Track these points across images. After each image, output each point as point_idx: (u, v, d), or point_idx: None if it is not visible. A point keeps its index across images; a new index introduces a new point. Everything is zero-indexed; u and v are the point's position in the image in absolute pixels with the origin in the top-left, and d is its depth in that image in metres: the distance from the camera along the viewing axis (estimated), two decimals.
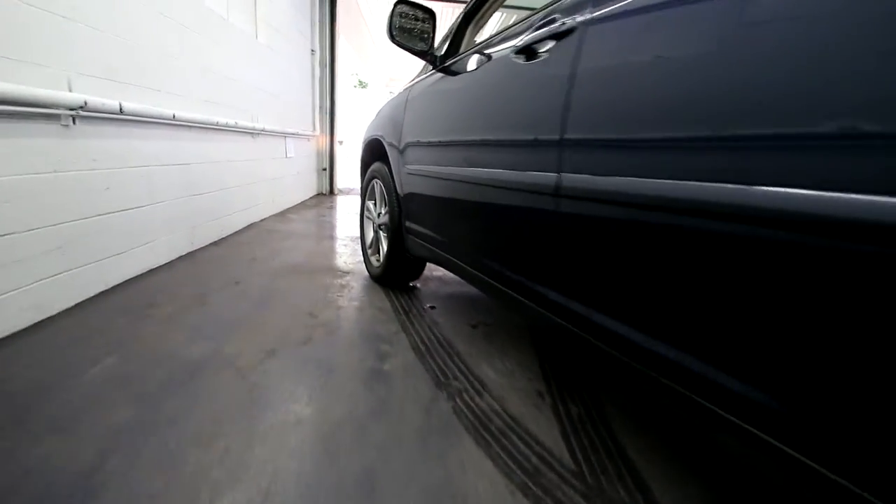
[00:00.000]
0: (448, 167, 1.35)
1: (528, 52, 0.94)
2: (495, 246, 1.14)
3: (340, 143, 6.26)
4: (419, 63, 1.87)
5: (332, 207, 4.71)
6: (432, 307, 1.87)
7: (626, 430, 1.08)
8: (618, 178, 0.71)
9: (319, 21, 5.20)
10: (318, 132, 5.37)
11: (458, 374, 1.32)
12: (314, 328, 1.58)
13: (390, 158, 1.92)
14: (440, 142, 1.43)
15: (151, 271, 2.09)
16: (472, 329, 1.66)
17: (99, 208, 1.76)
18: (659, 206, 0.64)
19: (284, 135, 4.16)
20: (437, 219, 1.53)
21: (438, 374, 1.31)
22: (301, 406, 1.11)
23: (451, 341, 1.54)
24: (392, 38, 1.46)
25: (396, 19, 1.44)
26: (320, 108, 5.45)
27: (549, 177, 0.84)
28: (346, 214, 4.27)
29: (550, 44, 0.87)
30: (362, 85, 12.43)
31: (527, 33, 0.96)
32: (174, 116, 2.15)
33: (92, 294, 1.74)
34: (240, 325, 1.57)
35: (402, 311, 1.80)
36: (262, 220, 3.59)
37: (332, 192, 5.78)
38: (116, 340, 1.40)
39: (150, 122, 2.04)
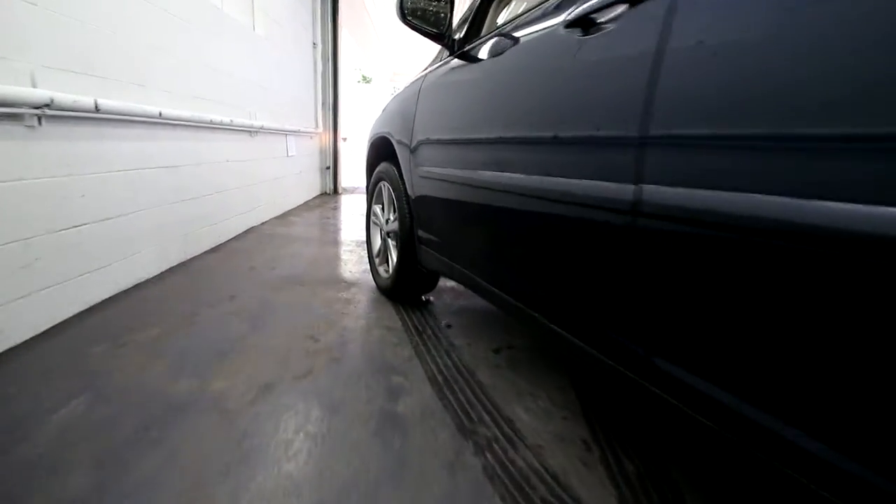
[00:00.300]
0: (471, 171, 1.14)
1: (585, 23, 0.73)
2: (537, 272, 0.93)
3: (344, 139, 6.06)
4: (425, 57, 1.66)
5: (336, 208, 4.51)
6: (448, 325, 1.67)
7: (705, 501, 0.87)
8: (728, 193, 0.50)
9: (321, 13, 4.99)
10: (320, 129, 5.17)
11: (485, 415, 1.12)
12: (316, 355, 1.38)
13: (400, 158, 1.72)
14: (461, 139, 1.22)
15: (138, 286, 1.90)
16: (494, 354, 1.46)
17: (74, 219, 1.56)
18: (794, 234, 0.43)
19: (285, 132, 3.96)
20: (458, 231, 1.32)
21: (462, 415, 1.11)
22: (298, 465, 0.91)
23: (472, 370, 1.34)
24: (404, 18, 1.25)
25: None
26: (323, 103, 5.24)
27: (621, 189, 0.63)
28: (351, 216, 4.07)
29: (620, 8, 0.66)
30: (366, 80, 12.19)
31: (581, 1, 0.75)
32: (160, 114, 1.95)
33: (67, 316, 1.55)
34: (232, 352, 1.37)
35: (414, 332, 1.60)
36: (262, 224, 3.39)
37: (336, 191, 5.58)
38: (88, 375, 1.21)
39: (133, 121, 1.84)
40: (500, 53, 1.05)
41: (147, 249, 1.98)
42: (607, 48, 0.68)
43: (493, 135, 1.04)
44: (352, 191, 5.88)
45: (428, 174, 1.44)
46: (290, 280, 2.10)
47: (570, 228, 0.77)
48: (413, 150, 1.57)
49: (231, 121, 2.66)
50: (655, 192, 0.59)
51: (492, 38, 1.13)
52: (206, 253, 2.49)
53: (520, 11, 1.07)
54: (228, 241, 2.80)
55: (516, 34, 1.00)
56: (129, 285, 1.87)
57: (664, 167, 0.58)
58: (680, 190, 0.56)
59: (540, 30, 0.88)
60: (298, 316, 1.68)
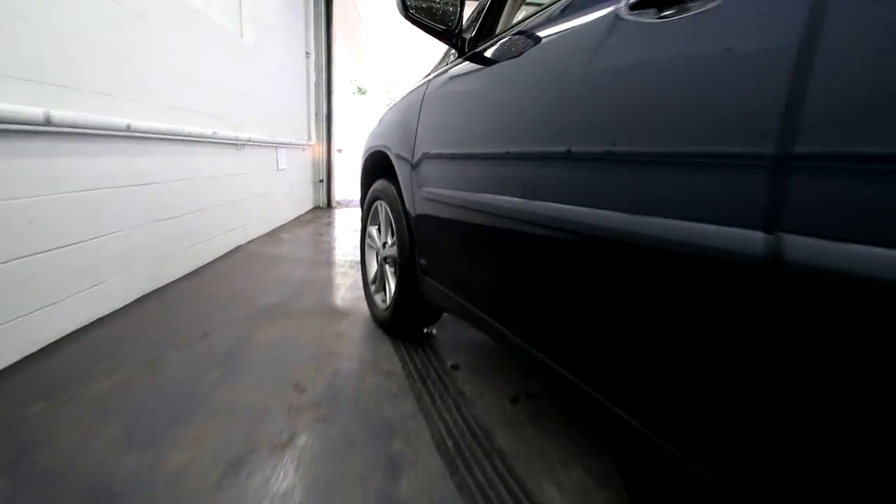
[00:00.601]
0: (493, 196, 0.92)
1: (660, 2, 0.52)
2: (593, 334, 0.71)
3: (339, 151, 5.87)
4: (422, 70, 1.46)
5: (329, 224, 4.29)
6: (455, 367, 1.45)
7: None
8: None
9: (314, 21, 4.81)
10: (313, 141, 4.96)
11: (509, 498, 0.89)
12: (300, 413, 1.15)
13: (399, 175, 1.51)
14: (475, 154, 1.01)
15: (100, 321, 1.67)
16: (512, 406, 1.24)
17: (18, 250, 1.34)
18: None
19: (276, 145, 3.75)
20: (475, 268, 1.10)
21: (480, 498, 0.89)
22: None
23: (488, 429, 1.12)
24: (406, 11, 1.04)
25: None
26: (316, 114, 5.05)
27: (747, 239, 0.41)
28: (345, 232, 3.85)
29: None
30: (361, 91, 12.06)
31: None
32: (129, 127, 1.73)
33: (9, 363, 1.32)
34: (197, 412, 1.14)
35: (416, 376, 1.37)
36: (249, 243, 3.17)
37: (329, 205, 5.36)
38: (15, 449, 0.98)
39: (97, 135, 1.63)
40: (531, 50, 0.84)
41: (113, 278, 1.75)
42: (709, 32, 0.47)
43: (520, 149, 0.83)
44: (346, 204, 5.66)
45: (433, 196, 1.23)
46: (275, 310, 1.87)
47: (663, 289, 0.54)
48: (415, 167, 1.36)
49: (214, 133, 2.44)
50: (802, 246, 0.38)
51: (516, 33, 0.93)
52: (183, 278, 2.26)
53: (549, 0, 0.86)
54: (211, 262, 2.57)
55: (551, 27, 0.80)
56: (89, 321, 1.64)
57: (819, 206, 0.37)
58: (845, 247, 0.35)
59: (587, 15, 0.67)
60: (282, 358, 1.45)
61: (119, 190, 1.78)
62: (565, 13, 0.77)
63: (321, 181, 5.26)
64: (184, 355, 1.44)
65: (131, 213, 1.86)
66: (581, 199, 0.65)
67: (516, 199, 0.83)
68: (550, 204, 0.73)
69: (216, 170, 2.62)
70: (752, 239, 0.41)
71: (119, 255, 1.79)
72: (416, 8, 1.06)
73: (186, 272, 2.32)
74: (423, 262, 1.40)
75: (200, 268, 2.44)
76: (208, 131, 2.39)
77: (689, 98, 0.49)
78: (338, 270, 2.59)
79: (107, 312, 1.73)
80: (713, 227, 0.45)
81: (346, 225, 4.23)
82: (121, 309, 1.79)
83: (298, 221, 4.30)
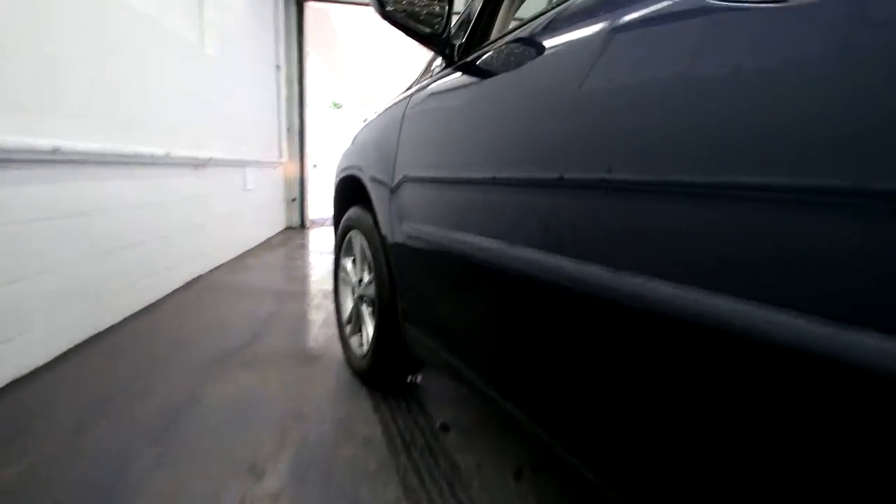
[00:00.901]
0: (489, 240, 0.73)
1: None
2: (607, 414, 0.53)
3: (315, 166, 5.62)
4: (401, 82, 1.27)
5: (302, 246, 4.04)
6: (445, 427, 1.23)
7: None
8: None
9: (285, 33, 4.60)
10: (285, 158, 4.71)
11: None
12: None
13: (375, 205, 1.30)
14: (471, 183, 0.82)
15: (14, 385, 1.39)
16: (516, 483, 1.02)
17: None
18: None
19: (243, 163, 3.49)
20: (467, 320, 0.90)
21: None
22: None
23: None
24: (382, 10, 0.84)
25: None
26: (288, 130, 4.81)
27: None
28: (320, 255, 3.60)
29: None
30: (336, 106, 11.84)
31: None
32: (57, 150, 1.48)
33: None
34: None
35: (400, 444, 1.15)
36: (211, 271, 2.89)
37: (303, 225, 5.09)
38: None
39: (14, 160, 1.37)
40: (540, 59, 0.65)
41: (37, 328, 1.48)
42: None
43: (526, 175, 0.64)
44: (321, 223, 5.40)
45: (416, 233, 1.02)
46: (234, 357, 1.62)
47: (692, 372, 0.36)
48: (394, 195, 1.15)
49: (167, 153, 2.19)
50: None
51: (518, 39, 0.74)
52: (130, 318, 1.98)
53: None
54: (165, 297, 2.29)
55: (570, 30, 0.61)
56: (3, 382, 1.36)
57: None
58: None
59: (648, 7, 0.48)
60: (237, 426, 1.20)
61: (47, 223, 1.51)
62: (596, 9, 0.58)
63: (294, 200, 4.99)
64: (116, 427, 1.18)
65: (64, 249, 1.59)
66: (614, 255, 0.47)
67: (519, 246, 0.64)
68: (565, 259, 0.54)
69: (170, 194, 2.36)
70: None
71: (46, 298, 1.51)
72: (395, 7, 0.87)
73: (135, 311, 2.04)
74: (405, 306, 1.19)
75: (152, 305, 2.16)
76: (160, 151, 2.14)
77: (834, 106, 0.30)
78: (310, 302, 2.35)
79: (26, 372, 1.44)
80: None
81: (321, 246, 3.98)
82: (45, 365, 1.51)
83: (268, 244, 4.03)
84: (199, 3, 2.78)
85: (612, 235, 0.49)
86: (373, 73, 9.70)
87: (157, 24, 2.25)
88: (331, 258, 3.38)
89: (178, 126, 2.43)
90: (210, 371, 1.50)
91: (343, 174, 1.60)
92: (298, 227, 5.05)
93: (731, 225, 0.36)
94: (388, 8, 0.84)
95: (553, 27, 0.67)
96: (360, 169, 1.43)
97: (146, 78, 2.13)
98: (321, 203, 5.93)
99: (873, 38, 0.29)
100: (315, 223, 5.34)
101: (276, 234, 4.54)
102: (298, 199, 5.04)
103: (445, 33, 0.90)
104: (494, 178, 0.73)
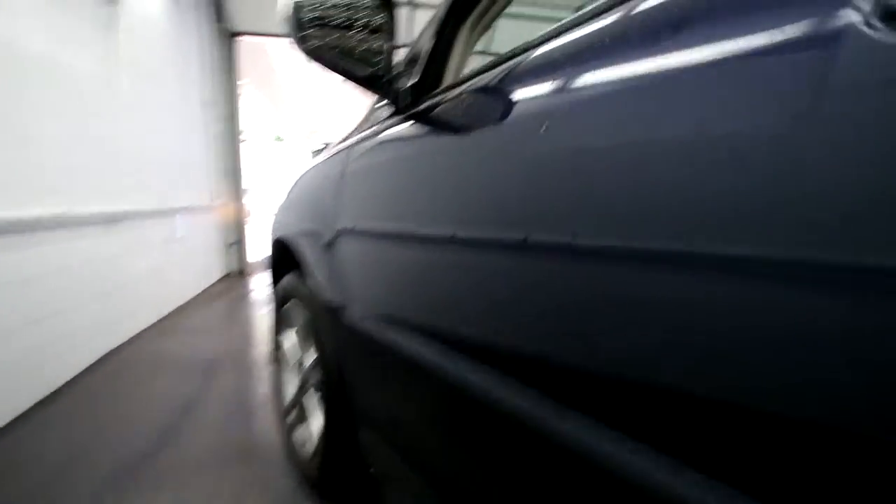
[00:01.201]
0: (457, 336, 0.52)
1: None
2: None
3: (255, 202, 5.24)
4: (347, 111, 1.07)
5: (243, 297, 3.66)
6: None
7: None
8: None
9: (214, 69, 4.29)
10: (220, 200, 4.34)
11: None
12: None
13: (314, 272, 1.06)
14: (435, 261, 0.61)
15: None
16: None
17: None
18: None
19: (171, 211, 3.13)
20: (442, 439, 0.68)
21: None
22: None
23: None
24: (306, 48, 0.64)
25: (305, 9, 0.63)
26: (224, 171, 4.45)
27: None
28: (260, 308, 3.25)
29: None
30: (279, 140, 11.43)
31: None
32: None
33: None
34: None
35: None
36: (132, 340, 2.48)
37: (242, 272, 4.68)
38: None
39: None
40: (515, 105, 0.47)
41: None
42: None
43: (507, 258, 0.45)
44: (265, 265, 5.00)
45: (365, 330, 0.80)
46: (142, 470, 1.29)
47: None
48: (335, 257, 0.93)
49: (64, 213, 1.84)
50: None
51: (484, 86, 0.56)
52: (19, 418, 1.58)
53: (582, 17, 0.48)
54: (66, 385, 1.89)
55: (545, 74, 0.44)
56: None
57: None
58: None
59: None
60: None
61: None
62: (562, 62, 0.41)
63: (232, 244, 4.60)
64: None
65: None
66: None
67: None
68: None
69: (69, 259, 1.98)
70: None
71: None
72: (323, 42, 0.66)
73: (20, 411, 1.64)
74: (360, 405, 0.95)
75: (47, 398, 1.76)
76: (53, 211, 1.79)
77: None
78: (252, 371, 2.03)
79: None
80: None
81: (263, 295, 3.61)
82: None
83: (205, 296, 3.62)
84: (104, 36, 2.46)
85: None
86: (317, 105, 9.45)
87: (47, 59, 1.93)
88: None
89: (81, 178, 2.08)
90: (106, 498, 1.17)
91: (277, 235, 1.35)
92: (238, 273, 4.63)
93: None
94: (313, 44, 0.63)
95: (514, 78, 0.52)
96: (296, 236, 1.20)
97: (41, 125, 1.79)
98: (263, 245, 5.55)
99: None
100: (257, 268, 4.94)
101: (214, 284, 4.11)
102: (237, 242, 4.64)
103: (388, 75, 0.70)
104: (453, 238, 0.55)
